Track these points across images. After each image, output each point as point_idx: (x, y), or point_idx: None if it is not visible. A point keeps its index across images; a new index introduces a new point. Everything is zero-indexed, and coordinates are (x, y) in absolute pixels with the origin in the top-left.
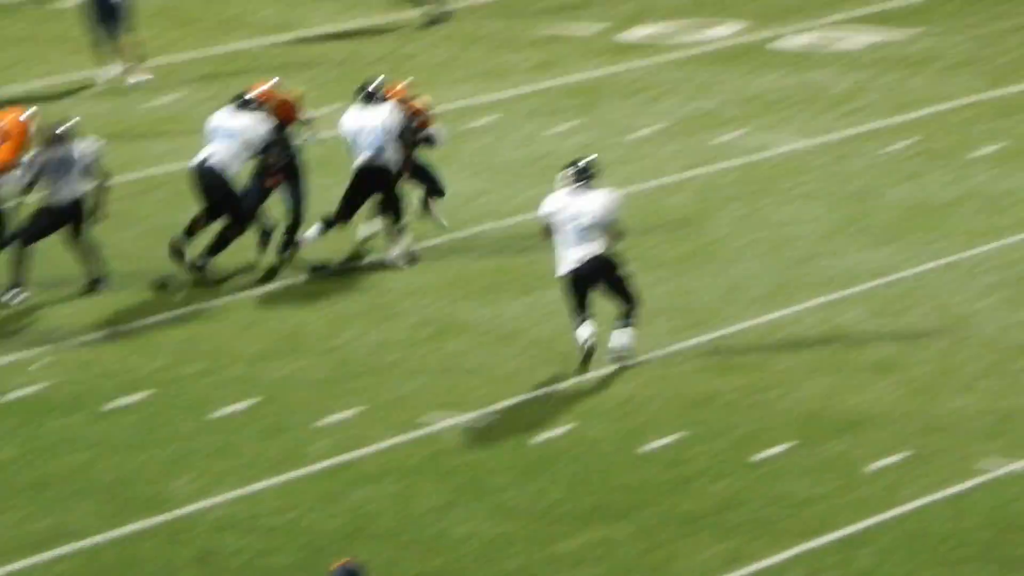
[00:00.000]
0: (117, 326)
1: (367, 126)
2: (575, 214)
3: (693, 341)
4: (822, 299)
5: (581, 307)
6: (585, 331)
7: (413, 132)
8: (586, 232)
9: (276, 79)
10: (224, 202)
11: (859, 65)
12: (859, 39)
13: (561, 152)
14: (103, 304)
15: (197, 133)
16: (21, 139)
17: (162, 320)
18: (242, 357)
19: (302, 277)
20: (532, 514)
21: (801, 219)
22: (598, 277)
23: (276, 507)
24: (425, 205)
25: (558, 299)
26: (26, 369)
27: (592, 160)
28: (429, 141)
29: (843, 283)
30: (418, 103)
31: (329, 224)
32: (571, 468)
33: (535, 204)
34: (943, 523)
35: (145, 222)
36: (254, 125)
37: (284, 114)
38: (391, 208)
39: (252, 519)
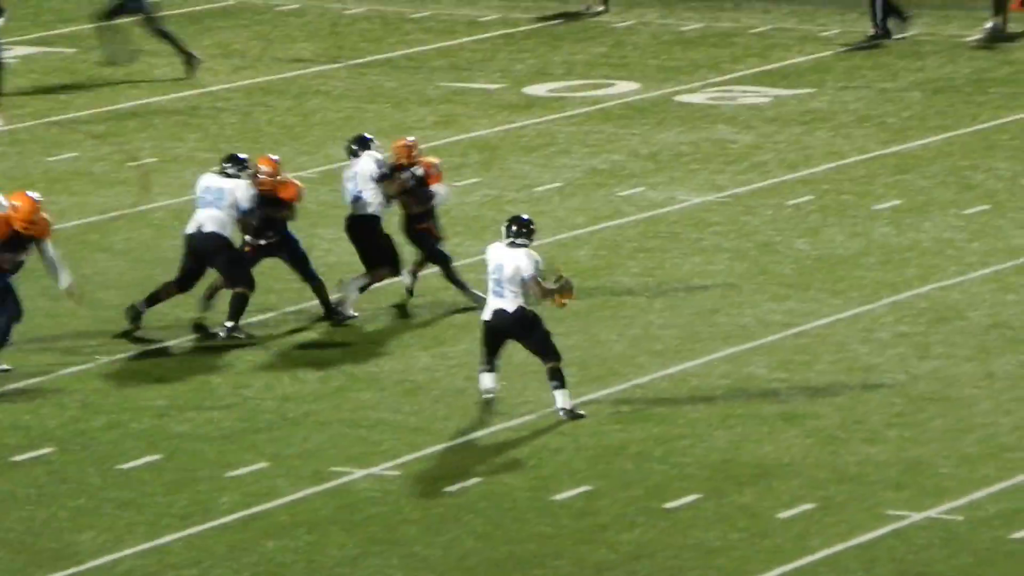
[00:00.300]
0: (23, 380)
1: (348, 177)
2: (497, 267)
3: (602, 392)
4: (729, 350)
5: (489, 356)
6: (487, 382)
7: (419, 180)
8: (502, 286)
9: (277, 157)
10: (228, 265)
11: (760, 120)
12: (759, 95)
13: (465, 206)
14: (8, 358)
15: (99, 188)
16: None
17: (68, 374)
18: (148, 410)
19: (209, 332)
20: (445, 564)
21: (706, 272)
22: (509, 332)
23: (185, 560)
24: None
25: (466, 351)
26: None
27: (526, 220)
28: (430, 197)
29: (749, 334)
30: (427, 160)
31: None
32: (483, 518)
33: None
34: (854, 571)
35: (48, 277)
36: (239, 189)
37: (284, 194)
38: (372, 256)
39: (161, 572)
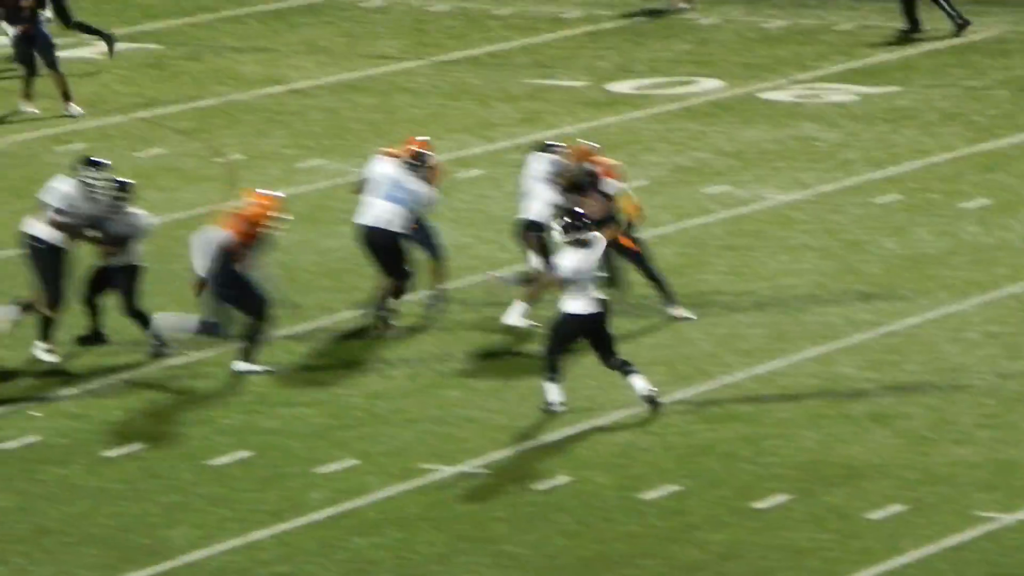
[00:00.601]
0: (115, 375)
1: (525, 177)
2: (580, 265)
3: (690, 391)
4: (817, 350)
5: (564, 357)
6: (559, 395)
7: (591, 175)
8: (591, 283)
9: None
10: (393, 260)
11: (846, 118)
12: (845, 93)
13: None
14: (101, 353)
15: (186, 184)
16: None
17: (159, 369)
18: (238, 406)
19: (297, 328)
20: (534, 563)
21: (793, 270)
22: (603, 327)
23: (276, 556)
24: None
25: None
26: (25, 418)
27: (579, 212)
28: (607, 194)
29: (837, 334)
30: (604, 160)
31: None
32: (572, 516)
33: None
34: (945, 573)
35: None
36: (423, 188)
37: (432, 180)
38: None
39: (252, 568)
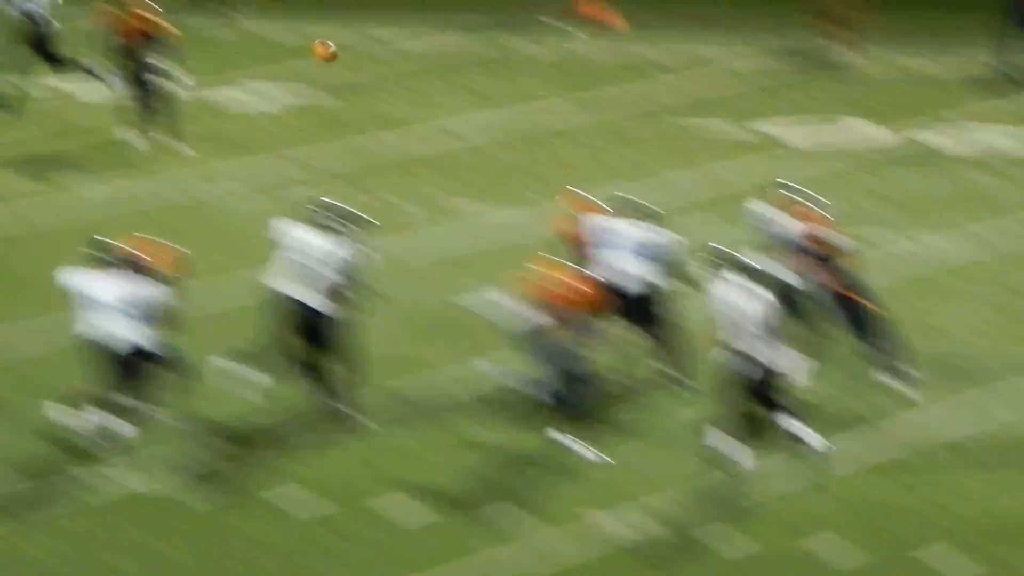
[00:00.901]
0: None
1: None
2: (735, 312)
3: (856, 442)
4: (990, 405)
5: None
6: (746, 458)
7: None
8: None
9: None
10: (654, 318)
11: (1020, 167)
12: (1019, 140)
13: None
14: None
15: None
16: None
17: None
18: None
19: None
20: None
21: (966, 324)
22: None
23: None
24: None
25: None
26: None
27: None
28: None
29: (1014, 390)
30: (812, 214)
31: None
32: (728, 565)
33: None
34: None
35: None
36: (663, 236)
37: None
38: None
39: None
